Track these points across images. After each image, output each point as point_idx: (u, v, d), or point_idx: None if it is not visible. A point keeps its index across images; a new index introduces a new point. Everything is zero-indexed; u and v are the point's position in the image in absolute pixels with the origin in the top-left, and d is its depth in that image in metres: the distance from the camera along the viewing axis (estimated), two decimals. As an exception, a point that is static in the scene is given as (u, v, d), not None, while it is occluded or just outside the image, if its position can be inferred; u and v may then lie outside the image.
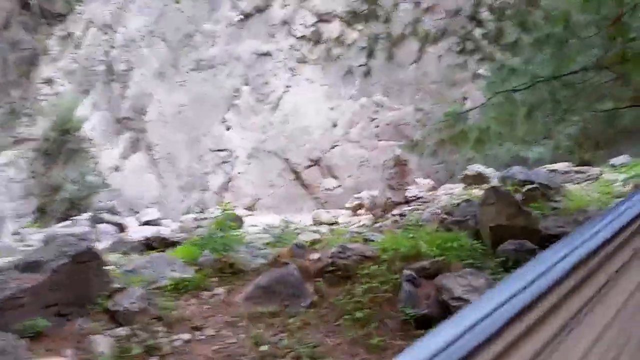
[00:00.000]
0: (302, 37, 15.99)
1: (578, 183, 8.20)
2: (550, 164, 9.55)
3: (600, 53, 5.17)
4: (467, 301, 3.81)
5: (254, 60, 15.98)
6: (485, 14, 6.40)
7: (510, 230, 5.13)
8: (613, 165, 9.30)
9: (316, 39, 6.78)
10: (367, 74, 7.53)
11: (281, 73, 15.91)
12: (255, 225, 9.89)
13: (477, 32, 6.67)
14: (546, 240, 4.88)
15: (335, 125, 15.45)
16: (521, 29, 6.27)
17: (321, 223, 9.87)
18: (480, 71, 7.30)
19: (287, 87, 15.88)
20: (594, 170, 8.81)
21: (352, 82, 14.95)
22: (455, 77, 13.81)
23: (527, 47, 6.27)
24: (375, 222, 8.66)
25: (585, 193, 7.31)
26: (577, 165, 9.34)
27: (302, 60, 16.11)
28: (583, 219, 5.23)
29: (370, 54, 7.10)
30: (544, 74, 5.97)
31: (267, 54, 15.99)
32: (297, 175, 14.89)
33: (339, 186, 14.58)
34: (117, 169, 15.54)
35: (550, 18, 6.05)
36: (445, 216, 6.46)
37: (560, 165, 9.27)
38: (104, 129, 15.94)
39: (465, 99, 14.17)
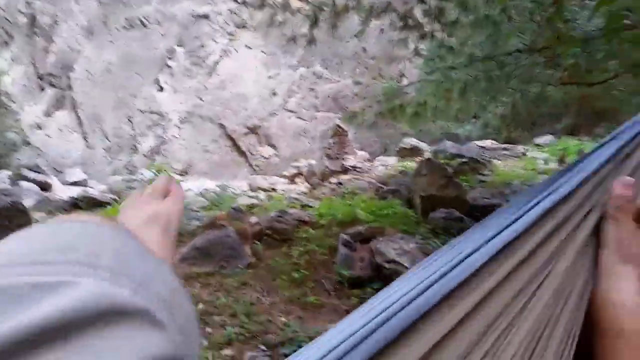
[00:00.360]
0: (243, 2, 15.57)
1: (505, 159, 8.71)
2: (479, 140, 10.07)
3: (533, 37, 5.48)
4: (399, 264, 4.01)
5: (190, 21, 15.36)
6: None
7: (441, 200, 5.41)
8: (538, 144, 9.96)
9: (258, 4, 6.59)
10: (309, 44, 7.48)
11: (219, 37, 15.44)
12: (190, 190, 9.68)
13: (419, 9, 6.83)
14: (474, 210, 5.20)
15: (274, 94, 15.31)
16: (461, 9, 6.48)
17: (258, 189, 9.85)
18: (420, 48, 7.48)
19: (225, 52, 15.45)
20: (520, 148, 9.39)
21: (293, 52, 14.82)
22: (394, 54, 14.08)
23: (465, 27, 6.50)
24: (313, 190, 8.78)
25: (511, 169, 7.79)
26: (504, 143, 9.92)
27: (242, 25, 15.71)
28: (508, 192, 5.60)
29: (314, 24, 7.06)
30: (480, 54, 6.24)
31: (204, 16, 15.42)
32: (234, 142, 14.68)
33: (276, 155, 14.56)
34: (39, 126, 14.54)
35: (489, 0, 6.30)
36: (380, 185, 6.67)
37: (489, 142, 9.80)
38: (25, 84, 14.80)
39: (402, 75, 14.51)
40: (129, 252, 0.29)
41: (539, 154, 9.10)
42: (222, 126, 14.74)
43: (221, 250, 4.51)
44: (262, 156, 14.55)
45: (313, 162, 10.58)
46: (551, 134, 10.47)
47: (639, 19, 3.46)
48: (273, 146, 14.70)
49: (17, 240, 0.28)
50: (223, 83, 15.11)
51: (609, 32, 3.08)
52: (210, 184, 10.66)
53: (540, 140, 10.24)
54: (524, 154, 9.24)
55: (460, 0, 6.44)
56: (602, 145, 0.60)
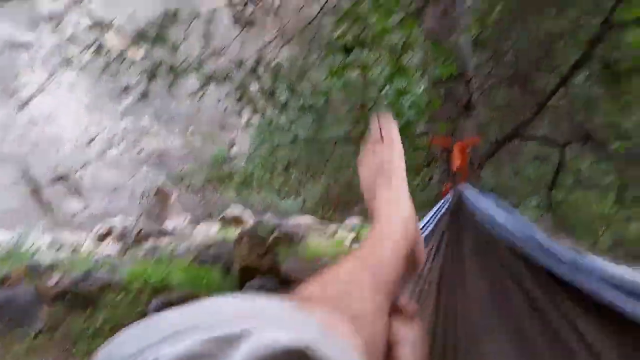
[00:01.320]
0: (74, 39, 14.60)
1: (319, 236, 9.35)
2: (298, 216, 10.70)
3: (349, 129, 6.25)
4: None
5: (6, 46, 13.77)
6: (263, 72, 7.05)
7: (258, 269, 5.58)
8: (347, 225, 10.93)
9: (90, 45, 6.33)
10: (142, 96, 7.33)
11: (38, 71, 14.06)
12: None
13: (255, 85, 7.29)
14: (287, 280, 5.46)
15: (92, 142, 14.23)
16: (290, 93, 7.13)
17: (62, 245, 8.82)
18: (253, 121, 7.90)
19: (43, 88, 14.06)
20: (332, 227, 10.20)
21: (122, 101, 14.17)
22: (228, 121, 14.46)
23: (294, 110, 7.13)
24: (126, 251, 8.21)
25: (323, 246, 8.39)
26: (320, 220, 10.68)
27: (67, 63, 14.60)
28: (318, 265, 6.02)
29: (150, 78, 6.99)
30: (305, 136, 6.86)
31: (25, 45, 13.99)
32: (37, 190, 13.04)
33: (86, 209, 13.30)
34: None
35: (315, 91, 7.07)
36: (199, 252, 6.59)
37: (306, 219, 10.45)
38: None
39: (234, 144, 14.86)
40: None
41: (348, 234, 10.01)
42: (25, 169, 13.05)
43: (9, 311, 3.92)
44: (70, 209, 13.16)
45: (129, 220, 9.96)
46: (359, 216, 11.59)
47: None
48: (83, 198, 13.44)
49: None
50: (34, 121, 13.57)
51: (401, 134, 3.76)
52: (4, 235, 9.20)
53: (349, 221, 11.26)
54: (335, 233, 10.05)
55: (290, 86, 7.10)
56: None
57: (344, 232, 10.17)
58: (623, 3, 3.73)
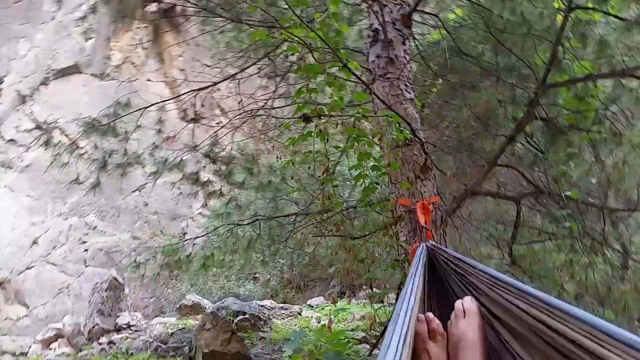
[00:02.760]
0: (12, 141, 14.30)
1: (282, 318, 9.01)
2: (260, 300, 10.33)
3: (308, 202, 6.28)
4: None
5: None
6: (220, 153, 7.10)
7: (223, 356, 5.24)
8: (310, 305, 10.64)
9: (43, 141, 6.21)
10: (89, 191, 7.11)
11: (-24, 174, 13.53)
12: None
13: (210, 168, 7.31)
14: (258, 365, 5.14)
15: (35, 244, 13.48)
16: (248, 173, 7.17)
17: (5, 352, 7.96)
18: (209, 205, 7.82)
19: (-19, 191, 13.47)
20: (296, 308, 9.89)
21: (64, 198, 13.71)
22: (177, 211, 14.17)
23: (252, 188, 7.13)
24: (79, 352, 7.50)
25: (289, 326, 8.06)
26: (281, 303, 10.35)
27: (7, 166, 14.15)
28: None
29: (100, 170, 6.85)
30: (264, 214, 6.81)
31: (-41, 148, 13.55)
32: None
33: (26, 316, 12.27)
34: None
35: (271, 168, 7.15)
36: (159, 344, 6.14)
37: (268, 302, 10.11)
38: None
39: (185, 233, 14.47)
40: None
41: (313, 313, 9.72)
42: (-42, 277, 12.08)
43: None
44: (9, 317, 12.09)
45: (79, 319, 9.22)
46: (322, 296, 11.36)
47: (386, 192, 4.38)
48: (25, 305, 12.45)
49: None
50: (-30, 225, 12.82)
51: (364, 200, 3.83)
52: None
53: (313, 301, 10.99)
54: (299, 313, 9.75)
55: (247, 167, 7.15)
56: None
57: (309, 311, 9.88)
58: (554, 69, 4.12)
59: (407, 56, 4.66)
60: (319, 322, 8.27)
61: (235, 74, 6.49)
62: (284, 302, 10.71)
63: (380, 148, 4.29)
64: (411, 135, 4.12)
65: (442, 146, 6.20)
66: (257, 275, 12.20)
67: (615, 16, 3.42)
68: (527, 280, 5.18)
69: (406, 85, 4.58)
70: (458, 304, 1.26)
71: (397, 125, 4.05)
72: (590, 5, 3.50)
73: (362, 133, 3.63)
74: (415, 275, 1.58)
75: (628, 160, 4.42)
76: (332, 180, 3.73)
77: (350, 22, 6.63)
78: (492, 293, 1.25)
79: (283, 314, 9.18)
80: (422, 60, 6.29)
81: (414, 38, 6.01)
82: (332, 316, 7.66)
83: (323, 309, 9.98)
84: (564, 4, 3.55)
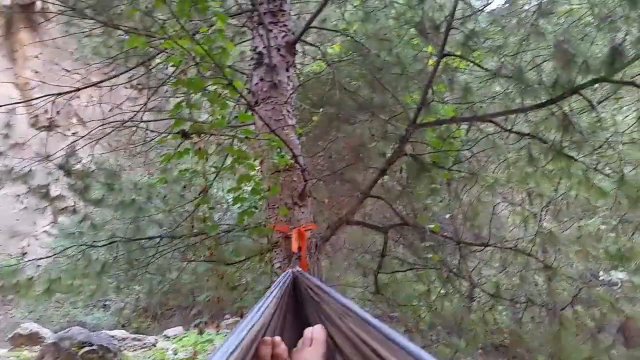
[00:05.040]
0: None
1: (135, 350, 8.26)
2: (110, 329, 9.36)
3: (174, 224, 5.88)
4: None
5: None
6: (76, 165, 6.39)
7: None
8: (167, 336, 9.92)
9: None
10: None
11: None
12: None
13: (64, 182, 6.51)
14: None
15: None
16: (108, 190, 6.51)
17: None
18: (58, 221, 6.93)
19: None
20: (151, 339, 9.15)
21: None
22: (17, 228, 12.45)
23: (112, 206, 6.47)
24: None
25: (141, 359, 7.40)
26: (134, 333, 9.50)
27: None
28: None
29: None
30: (123, 235, 6.20)
31: None
32: None
33: None
34: None
35: (135, 186, 6.59)
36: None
37: (118, 332, 9.21)
38: None
39: (25, 253, 12.76)
40: None
41: (170, 344, 9.08)
42: None
43: None
44: None
45: None
46: (181, 326, 10.72)
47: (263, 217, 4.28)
48: None
49: None
50: None
51: (241, 223, 3.70)
52: None
53: (170, 332, 10.31)
54: (154, 345, 9.04)
55: (107, 183, 6.50)
56: None
57: (165, 342, 9.20)
58: (423, 109, 4.43)
59: (290, 82, 4.68)
60: (175, 354, 7.73)
61: (102, 81, 5.93)
62: (137, 332, 9.85)
63: (260, 172, 4.21)
64: (292, 161, 4.11)
65: (317, 175, 6.31)
66: (107, 302, 11.11)
67: (479, 66, 3.80)
68: (390, 309, 5.42)
69: (288, 111, 4.58)
70: (307, 331, 1.28)
71: (279, 150, 4.01)
72: (459, 53, 3.84)
73: (243, 155, 3.51)
74: (268, 298, 1.59)
75: (481, 199, 4.88)
76: (207, 201, 3.52)
77: (232, 42, 6.53)
78: (340, 322, 1.27)
79: (136, 345, 8.43)
80: (302, 90, 6.41)
81: (295, 67, 6.11)
82: (193, 348, 7.21)
83: (181, 339, 9.38)
84: (436, 50, 3.85)
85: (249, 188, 3.73)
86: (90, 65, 6.93)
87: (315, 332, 1.27)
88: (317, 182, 5.53)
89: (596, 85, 3.78)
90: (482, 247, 4.63)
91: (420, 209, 4.97)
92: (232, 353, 0.82)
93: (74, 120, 14.49)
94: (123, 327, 10.42)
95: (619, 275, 4.54)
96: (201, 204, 3.49)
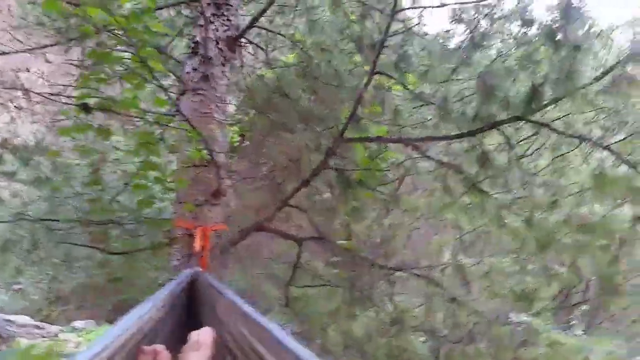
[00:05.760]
0: None
1: (35, 338, 7.75)
2: (12, 314, 8.75)
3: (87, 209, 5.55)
4: None
5: None
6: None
7: None
8: (75, 327, 9.36)
9: None
10: None
11: None
12: None
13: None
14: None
15: None
16: (22, 164, 6.11)
17: None
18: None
19: None
20: (54, 329, 8.62)
21: None
22: None
23: (25, 184, 6.08)
24: None
25: (39, 347, 6.92)
26: (42, 321, 8.93)
27: None
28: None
29: None
30: (32, 215, 5.81)
31: None
32: None
33: None
34: None
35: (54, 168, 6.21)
36: None
37: (20, 318, 8.63)
38: None
39: None
40: None
41: (74, 337, 8.57)
42: None
43: None
44: None
45: None
46: (91, 319, 10.13)
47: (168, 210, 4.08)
48: None
49: None
50: None
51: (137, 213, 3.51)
52: None
53: (79, 323, 9.74)
54: (56, 335, 8.53)
55: (22, 156, 6.10)
56: None
57: (70, 334, 8.69)
58: (352, 125, 4.38)
59: (225, 77, 4.54)
60: (76, 348, 7.30)
61: (33, 49, 5.61)
62: (44, 321, 9.27)
63: (170, 163, 4.03)
64: (209, 157, 3.94)
65: (250, 178, 6.17)
66: (19, 286, 10.44)
67: (407, 88, 3.79)
68: (299, 324, 5.28)
69: (218, 106, 4.42)
70: (194, 334, 1.24)
71: (197, 143, 3.85)
72: (392, 73, 3.82)
73: (149, 138, 3.32)
74: (159, 297, 1.50)
75: (401, 222, 4.86)
76: (99, 182, 3.30)
77: (181, 32, 6.34)
78: (233, 326, 1.26)
79: (36, 333, 7.91)
80: (247, 92, 6.29)
81: (242, 67, 5.99)
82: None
83: (88, 333, 8.88)
84: (369, 66, 3.83)
85: (156, 174, 3.53)
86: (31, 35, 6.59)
87: (202, 336, 1.23)
88: (244, 184, 5.39)
89: (521, 123, 3.85)
90: (395, 272, 4.59)
91: (341, 226, 4.90)
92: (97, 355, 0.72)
93: (19, 94, 13.93)
94: (31, 315, 9.79)
95: (522, 316, 4.59)
96: (92, 185, 3.26)
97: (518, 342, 4.51)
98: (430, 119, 3.95)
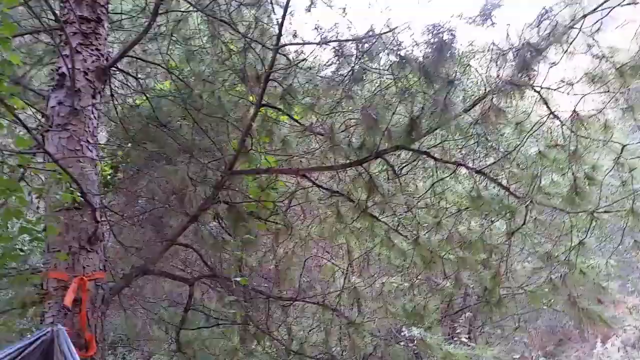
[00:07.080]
0: None
1: None
2: None
3: None
4: None
5: None
6: None
7: None
8: None
9: None
10: None
11: None
12: None
13: None
14: None
15: None
16: None
17: None
18: None
19: None
20: None
21: None
22: None
23: None
24: None
25: None
26: None
27: None
28: None
29: None
30: None
31: None
32: None
33: None
34: None
35: None
36: None
37: None
38: None
39: None
40: None
41: None
42: None
43: None
44: None
45: None
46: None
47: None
48: None
49: None
50: None
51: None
52: None
53: None
54: None
55: None
56: None
57: None
58: (242, 157, 4.29)
59: (95, 111, 4.17)
60: None
61: None
62: None
63: (37, 208, 3.58)
64: (82, 199, 3.57)
65: (128, 218, 5.72)
66: None
67: (295, 120, 3.82)
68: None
69: (89, 141, 4.04)
70: None
71: (67, 184, 3.46)
72: (278, 106, 3.82)
73: (14, 186, 2.91)
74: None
75: (296, 251, 4.84)
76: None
77: (40, 61, 5.75)
78: None
79: None
80: (119, 122, 5.86)
81: (113, 97, 5.57)
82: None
83: None
84: (255, 98, 3.78)
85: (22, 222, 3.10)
86: None
87: None
88: (122, 225, 4.97)
89: (403, 152, 4.06)
90: (291, 302, 4.53)
91: (233, 260, 4.73)
92: None
93: None
94: None
95: (415, 332, 4.80)
96: None
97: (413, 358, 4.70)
98: (319, 148, 4.00)
